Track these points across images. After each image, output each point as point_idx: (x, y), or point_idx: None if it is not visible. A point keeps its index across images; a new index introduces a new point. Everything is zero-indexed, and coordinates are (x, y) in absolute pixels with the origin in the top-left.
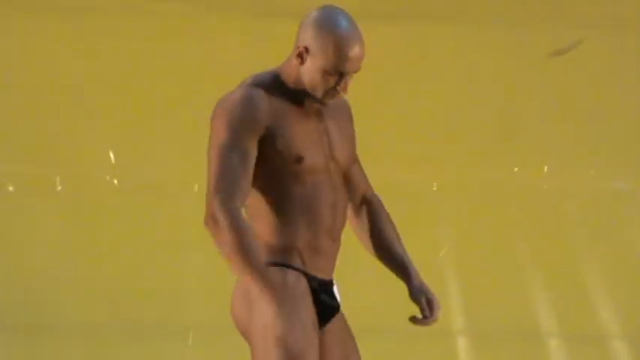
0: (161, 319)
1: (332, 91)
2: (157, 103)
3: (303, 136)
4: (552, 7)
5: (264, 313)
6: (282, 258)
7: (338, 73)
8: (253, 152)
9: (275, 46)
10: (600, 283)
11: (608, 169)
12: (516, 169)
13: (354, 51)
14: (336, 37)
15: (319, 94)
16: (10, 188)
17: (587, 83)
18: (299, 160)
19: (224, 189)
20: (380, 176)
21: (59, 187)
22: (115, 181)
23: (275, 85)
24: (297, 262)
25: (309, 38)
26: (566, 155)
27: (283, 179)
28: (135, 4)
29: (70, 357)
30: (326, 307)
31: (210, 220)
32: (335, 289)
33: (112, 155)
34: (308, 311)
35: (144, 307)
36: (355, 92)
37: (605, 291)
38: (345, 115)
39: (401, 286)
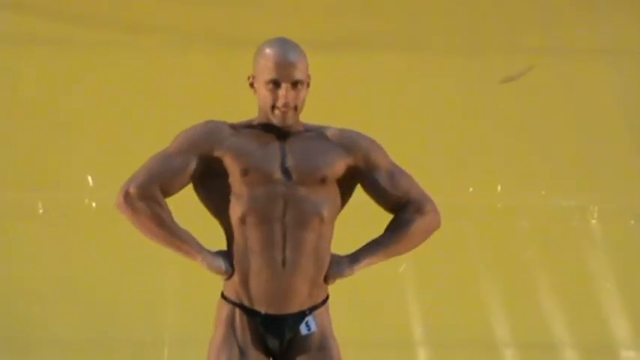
0: (138, 334)
1: (280, 107)
2: (133, 130)
3: (250, 152)
4: (503, 37)
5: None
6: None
7: (274, 81)
8: (181, 163)
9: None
10: (552, 295)
11: (558, 188)
12: (471, 189)
13: (280, 57)
14: (264, 49)
15: (271, 110)
16: None
17: (536, 107)
18: (244, 172)
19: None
20: None
21: (41, 211)
22: (94, 204)
23: (244, 124)
24: (231, 294)
25: (252, 66)
26: (519, 176)
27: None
28: (113, 37)
29: None
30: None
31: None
32: (307, 321)
33: (90, 180)
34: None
35: (121, 322)
36: (314, 115)
37: (556, 302)
38: (322, 139)
39: (359, 298)
